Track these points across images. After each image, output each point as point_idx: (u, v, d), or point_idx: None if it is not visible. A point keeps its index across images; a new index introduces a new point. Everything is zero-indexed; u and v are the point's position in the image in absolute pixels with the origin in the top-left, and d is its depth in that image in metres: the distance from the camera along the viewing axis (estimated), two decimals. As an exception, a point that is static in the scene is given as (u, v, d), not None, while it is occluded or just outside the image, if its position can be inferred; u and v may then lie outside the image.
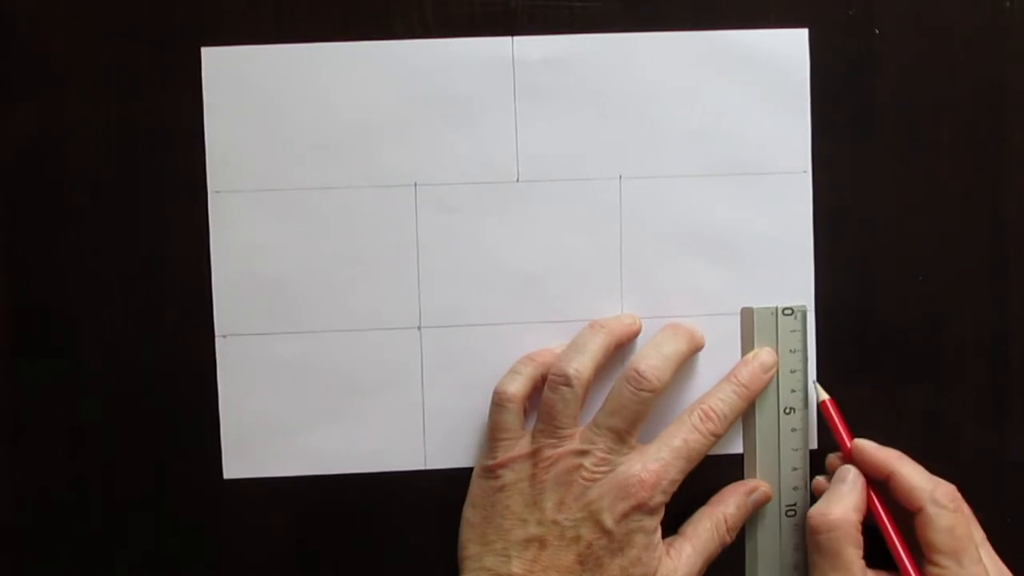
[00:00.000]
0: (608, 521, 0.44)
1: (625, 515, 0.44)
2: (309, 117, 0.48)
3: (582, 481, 0.45)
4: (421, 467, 0.48)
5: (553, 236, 0.48)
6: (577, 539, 0.44)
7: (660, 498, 0.45)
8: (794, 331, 0.48)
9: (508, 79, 0.48)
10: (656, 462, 0.45)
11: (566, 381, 0.45)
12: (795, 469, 0.48)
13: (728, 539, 0.47)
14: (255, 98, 0.47)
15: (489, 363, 0.48)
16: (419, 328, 0.48)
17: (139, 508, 0.48)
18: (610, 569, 0.44)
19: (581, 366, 0.46)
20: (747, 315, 0.48)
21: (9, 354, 0.48)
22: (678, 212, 0.48)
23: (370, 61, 0.48)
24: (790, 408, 0.48)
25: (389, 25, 0.48)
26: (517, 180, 0.48)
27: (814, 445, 0.49)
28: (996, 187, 0.49)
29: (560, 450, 0.45)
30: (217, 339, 0.48)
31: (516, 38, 0.48)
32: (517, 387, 0.46)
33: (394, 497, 0.49)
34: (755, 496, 0.48)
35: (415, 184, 0.48)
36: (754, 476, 0.49)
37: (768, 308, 0.48)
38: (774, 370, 0.48)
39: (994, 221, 0.49)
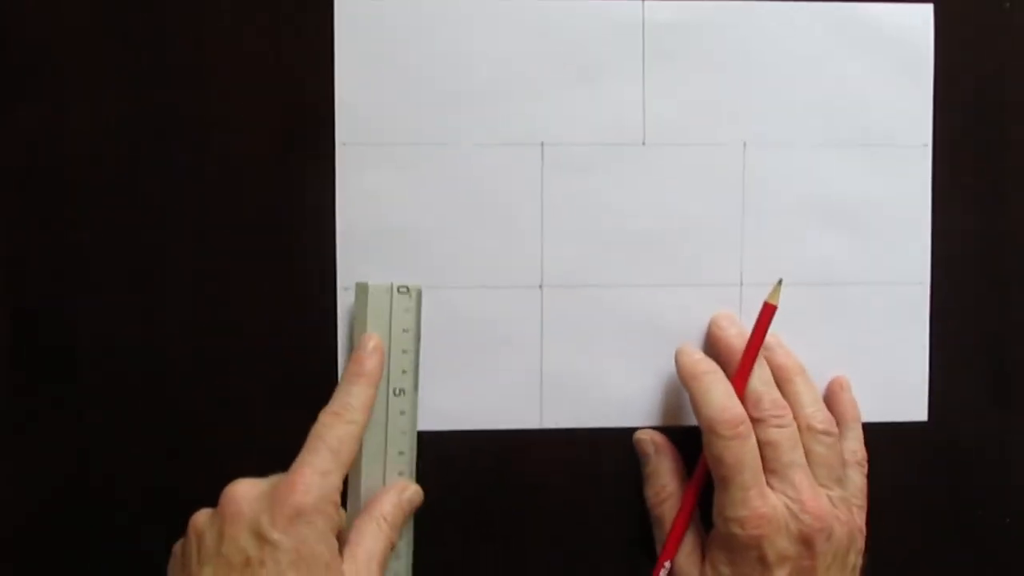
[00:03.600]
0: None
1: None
2: (439, 70, 0.47)
3: None
4: (537, 426, 0.48)
5: (676, 199, 0.48)
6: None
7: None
8: (408, 310, 0.47)
9: (637, 42, 0.48)
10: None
11: None
12: (401, 453, 0.47)
13: (393, 538, 0.45)
14: (386, 48, 0.47)
15: (607, 325, 0.48)
16: (540, 287, 0.48)
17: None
18: None
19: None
20: (362, 291, 0.47)
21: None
22: (799, 180, 0.49)
23: (505, 16, 0.47)
24: (400, 390, 0.47)
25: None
26: (643, 143, 0.48)
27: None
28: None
29: None
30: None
31: (647, 2, 0.48)
32: None
33: (511, 456, 0.48)
34: (408, 495, 0.46)
35: (542, 144, 0.48)
36: (360, 458, 0.46)
37: (383, 285, 0.47)
38: (381, 352, 0.46)
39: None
